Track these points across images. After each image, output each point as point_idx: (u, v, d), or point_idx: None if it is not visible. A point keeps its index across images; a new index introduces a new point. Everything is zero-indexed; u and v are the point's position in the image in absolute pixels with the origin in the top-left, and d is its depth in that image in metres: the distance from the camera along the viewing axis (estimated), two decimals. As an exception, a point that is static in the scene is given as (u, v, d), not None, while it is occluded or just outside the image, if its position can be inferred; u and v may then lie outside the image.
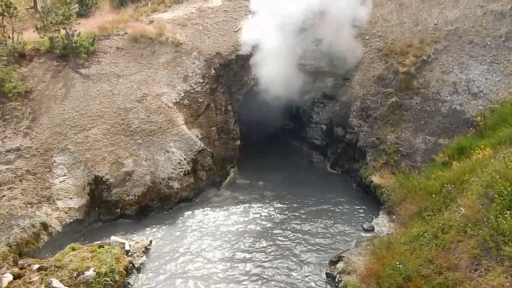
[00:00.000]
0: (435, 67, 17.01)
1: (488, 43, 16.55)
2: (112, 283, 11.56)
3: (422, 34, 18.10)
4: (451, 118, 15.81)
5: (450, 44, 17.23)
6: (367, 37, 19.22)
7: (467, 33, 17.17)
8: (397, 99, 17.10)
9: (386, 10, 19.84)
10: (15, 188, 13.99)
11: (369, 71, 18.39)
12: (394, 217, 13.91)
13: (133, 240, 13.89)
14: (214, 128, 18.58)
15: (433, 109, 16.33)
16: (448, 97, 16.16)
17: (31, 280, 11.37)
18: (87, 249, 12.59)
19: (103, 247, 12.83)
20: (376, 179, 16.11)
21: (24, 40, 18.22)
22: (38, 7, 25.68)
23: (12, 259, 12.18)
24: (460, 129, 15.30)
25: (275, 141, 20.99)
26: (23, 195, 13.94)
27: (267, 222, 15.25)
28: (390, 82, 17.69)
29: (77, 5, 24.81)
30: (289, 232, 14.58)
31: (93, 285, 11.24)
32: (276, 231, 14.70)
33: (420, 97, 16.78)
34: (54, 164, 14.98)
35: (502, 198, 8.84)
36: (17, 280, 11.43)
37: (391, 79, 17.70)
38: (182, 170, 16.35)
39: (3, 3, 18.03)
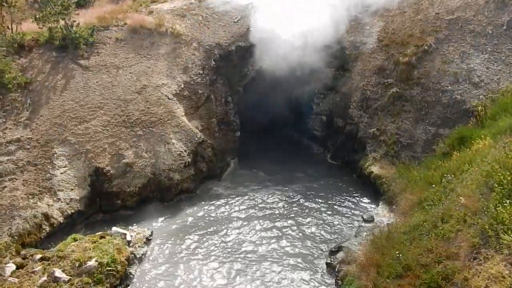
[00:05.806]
0: (436, 57, 16.90)
1: (490, 32, 16.42)
2: (114, 273, 11.69)
3: (423, 23, 17.94)
4: (452, 108, 15.76)
5: (451, 34, 17.09)
6: (367, 27, 19.08)
7: (469, 22, 17.01)
8: (398, 90, 17.03)
9: (387, 0, 19.64)
10: (16, 179, 14.04)
11: (370, 61, 18.29)
12: (394, 207, 13.95)
13: (134, 231, 13.99)
14: (214, 119, 18.55)
15: (433, 99, 16.26)
16: (449, 87, 16.09)
17: (33, 270, 11.50)
18: (88, 239, 12.71)
19: (105, 237, 12.96)
20: (376, 169, 16.14)
21: (23, 30, 18.09)
22: (36, -3, 25.49)
23: (14, 249, 12.31)
24: (460, 119, 15.26)
25: (275, 133, 20.95)
26: (24, 186, 13.99)
27: (267, 213, 15.31)
28: (391, 72, 17.60)
29: (75, -6, 24.60)
30: (290, 222, 14.65)
31: (95, 275, 11.36)
32: (276, 222, 14.77)
33: (421, 88, 16.70)
34: (55, 155, 15.00)
35: (501, 188, 8.83)
36: (19, 270, 11.59)
37: (392, 69, 17.61)
38: (182, 161, 16.37)
39: (2, -8, 17.90)
